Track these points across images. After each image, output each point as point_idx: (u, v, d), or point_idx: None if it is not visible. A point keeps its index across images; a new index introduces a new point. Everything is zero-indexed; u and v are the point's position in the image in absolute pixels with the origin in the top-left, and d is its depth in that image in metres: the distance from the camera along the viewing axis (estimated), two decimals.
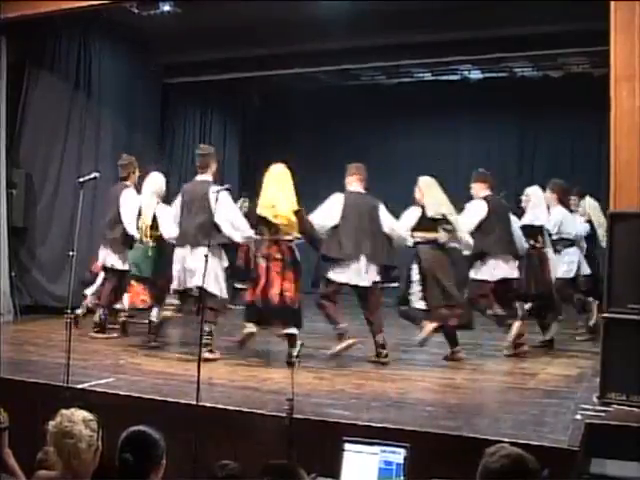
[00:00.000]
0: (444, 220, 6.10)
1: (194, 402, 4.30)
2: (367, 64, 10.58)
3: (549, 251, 7.03)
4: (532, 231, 6.88)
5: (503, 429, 4.14)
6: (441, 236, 6.09)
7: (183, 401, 4.53)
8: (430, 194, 6.19)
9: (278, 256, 5.91)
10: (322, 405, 4.62)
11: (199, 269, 5.59)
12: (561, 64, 10.46)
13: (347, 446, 3.39)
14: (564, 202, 7.53)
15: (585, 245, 7.84)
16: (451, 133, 12.17)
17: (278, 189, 6.02)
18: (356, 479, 3.32)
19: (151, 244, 6.89)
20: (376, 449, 3.34)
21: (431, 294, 6.08)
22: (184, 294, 6.36)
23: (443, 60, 10.30)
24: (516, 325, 6.53)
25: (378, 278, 6.14)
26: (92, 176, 5.57)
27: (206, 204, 6.04)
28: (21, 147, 8.72)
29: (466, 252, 6.44)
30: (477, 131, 12.09)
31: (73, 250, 4.98)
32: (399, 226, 6.17)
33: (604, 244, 7.74)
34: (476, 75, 11.60)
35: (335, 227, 6.07)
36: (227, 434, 4.31)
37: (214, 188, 5.89)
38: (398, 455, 3.30)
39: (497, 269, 6.46)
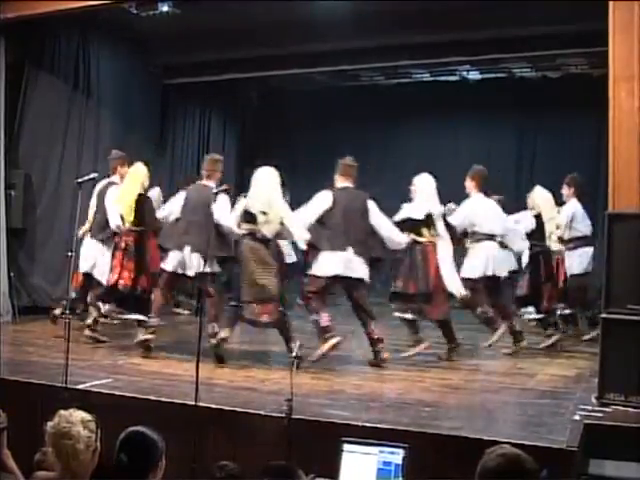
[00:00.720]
0: (262, 213, 6.00)
1: (193, 402, 4.30)
2: (366, 65, 10.57)
3: (442, 244, 6.33)
4: (414, 223, 6.29)
5: (502, 429, 4.14)
6: (257, 229, 5.99)
7: (182, 401, 4.52)
8: (253, 187, 6.13)
9: (122, 245, 6.57)
10: (321, 405, 4.62)
11: (90, 257, 7.09)
12: (560, 65, 10.45)
13: (346, 446, 3.38)
14: (485, 191, 6.84)
15: (526, 243, 6.97)
16: (450, 133, 12.15)
17: (129, 185, 6.70)
18: None
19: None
20: (374, 449, 3.34)
21: (243, 289, 5.93)
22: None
23: (442, 61, 10.29)
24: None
25: (205, 269, 6.06)
26: (91, 177, 5.64)
27: (102, 200, 7.03)
28: (20, 148, 8.70)
29: (301, 246, 6.27)
30: (476, 132, 12.07)
31: (72, 251, 4.99)
32: (229, 218, 6.15)
33: (554, 245, 7.20)
34: (475, 76, 11.58)
35: (177, 220, 6.38)
36: (226, 435, 4.31)
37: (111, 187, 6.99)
38: (397, 455, 3.30)
39: (330, 265, 6.01)
